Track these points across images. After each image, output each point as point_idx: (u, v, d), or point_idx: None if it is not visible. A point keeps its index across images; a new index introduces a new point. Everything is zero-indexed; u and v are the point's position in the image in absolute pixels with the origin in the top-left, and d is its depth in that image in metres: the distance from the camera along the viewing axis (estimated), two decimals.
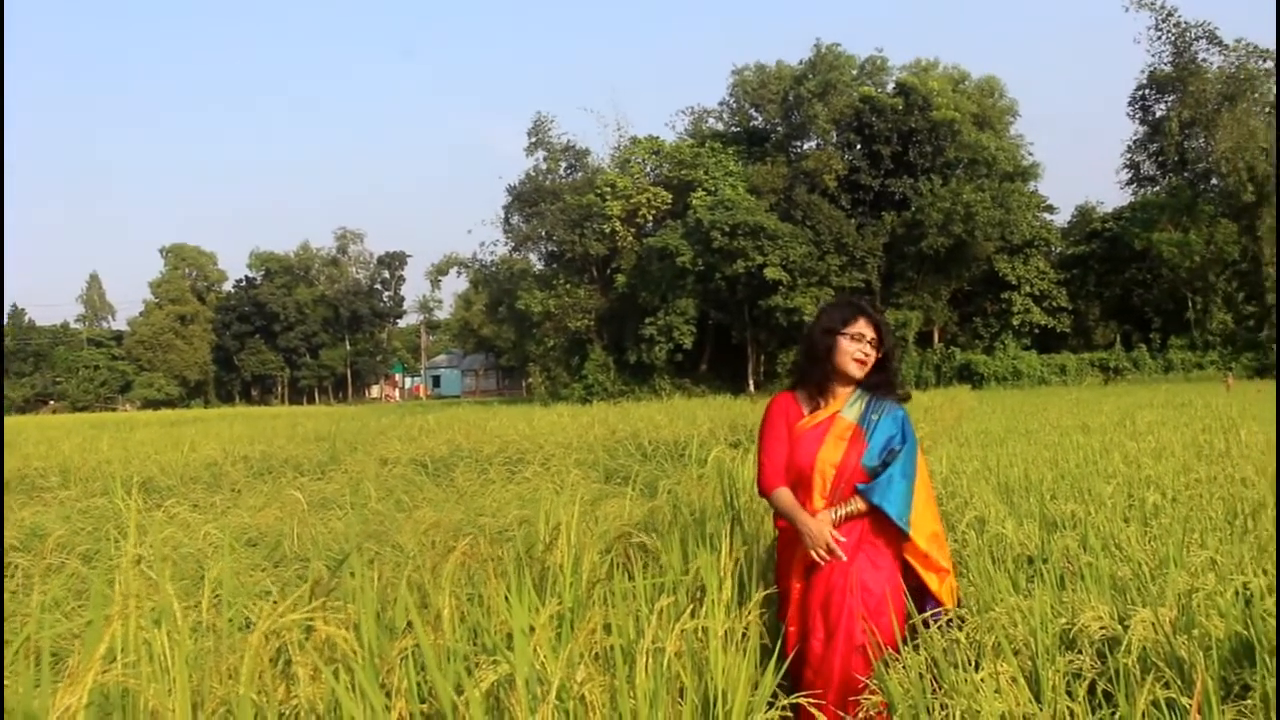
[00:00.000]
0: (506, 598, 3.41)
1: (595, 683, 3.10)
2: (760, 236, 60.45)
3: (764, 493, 4.32)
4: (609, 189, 67.42)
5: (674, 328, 63.45)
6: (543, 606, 3.49)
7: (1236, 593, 3.97)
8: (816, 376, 4.31)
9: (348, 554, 4.59)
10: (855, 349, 4.26)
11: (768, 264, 60.17)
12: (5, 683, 2.79)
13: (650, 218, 68.54)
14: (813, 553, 4.12)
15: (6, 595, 5.37)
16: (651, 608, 3.65)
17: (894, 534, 4.25)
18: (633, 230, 68.01)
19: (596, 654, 3.43)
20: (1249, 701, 3.24)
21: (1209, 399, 25.74)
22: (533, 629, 3.20)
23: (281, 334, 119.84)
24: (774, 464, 4.27)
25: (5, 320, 76.33)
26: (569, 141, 74.29)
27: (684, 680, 3.40)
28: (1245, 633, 3.57)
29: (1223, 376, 48.09)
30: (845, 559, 4.14)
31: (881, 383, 4.40)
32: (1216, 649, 3.51)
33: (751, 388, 61.77)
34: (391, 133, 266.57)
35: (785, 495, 4.22)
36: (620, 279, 67.57)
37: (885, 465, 4.24)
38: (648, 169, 71.42)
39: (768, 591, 4.43)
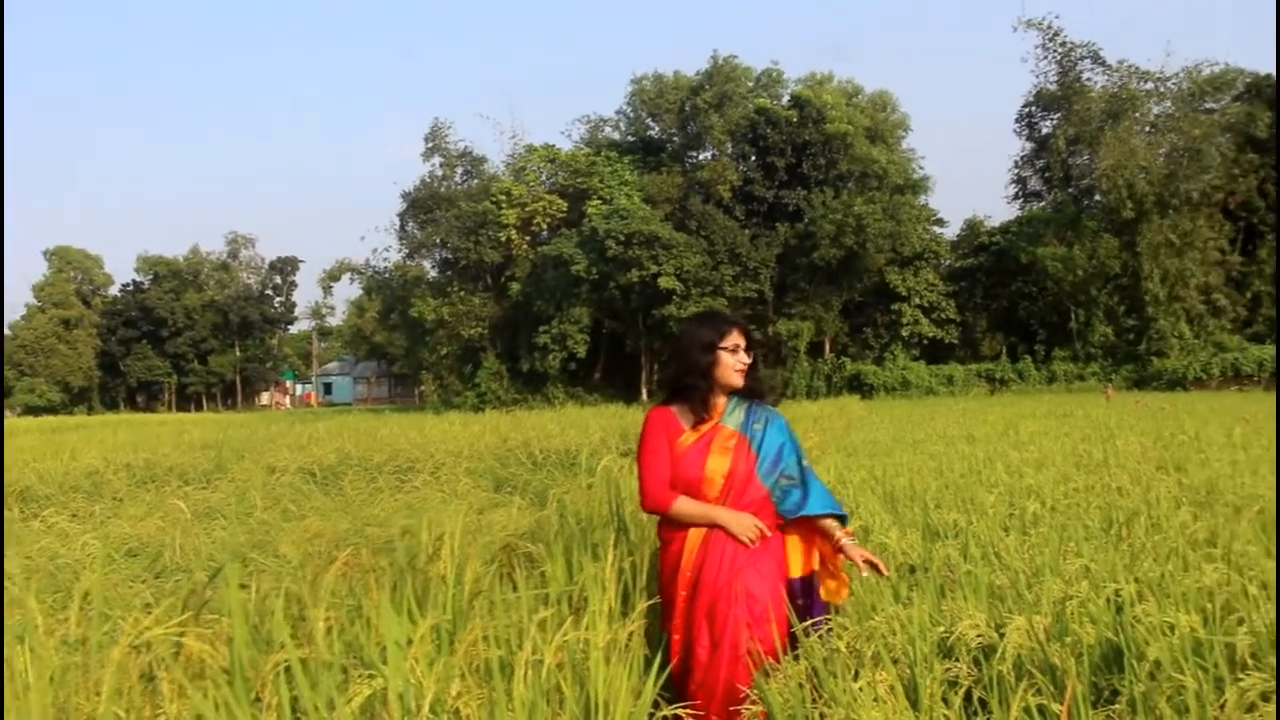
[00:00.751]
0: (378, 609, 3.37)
1: (472, 695, 3.07)
2: (655, 246, 60.67)
3: (654, 508, 4.30)
4: (504, 197, 67.25)
5: (568, 336, 63.42)
6: (423, 618, 3.45)
7: (1108, 600, 4.05)
8: (702, 392, 4.32)
9: (223, 565, 4.50)
10: (735, 361, 4.31)
11: (662, 273, 60.41)
12: None
13: (545, 226, 68.42)
14: (746, 540, 4.16)
15: None
16: (534, 619, 3.63)
17: (780, 544, 4.32)
18: (528, 238, 67.89)
19: (476, 666, 3.40)
20: (1117, 706, 3.30)
21: (1089, 410, 26.30)
22: (411, 641, 3.16)
23: (169, 339, 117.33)
24: (658, 479, 4.26)
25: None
26: (466, 148, 73.96)
27: (565, 691, 3.38)
28: (1115, 639, 3.65)
29: (1103, 388, 49.30)
30: (770, 534, 4.24)
31: (755, 389, 4.46)
32: (1088, 655, 3.58)
33: (645, 396, 61.86)
34: (284, 136, 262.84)
35: (688, 502, 4.23)
36: (515, 287, 67.39)
37: (788, 478, 4.34)
38: (543, 177, 71.38)
39: (652, 601, 4.43)
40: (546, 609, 4.00)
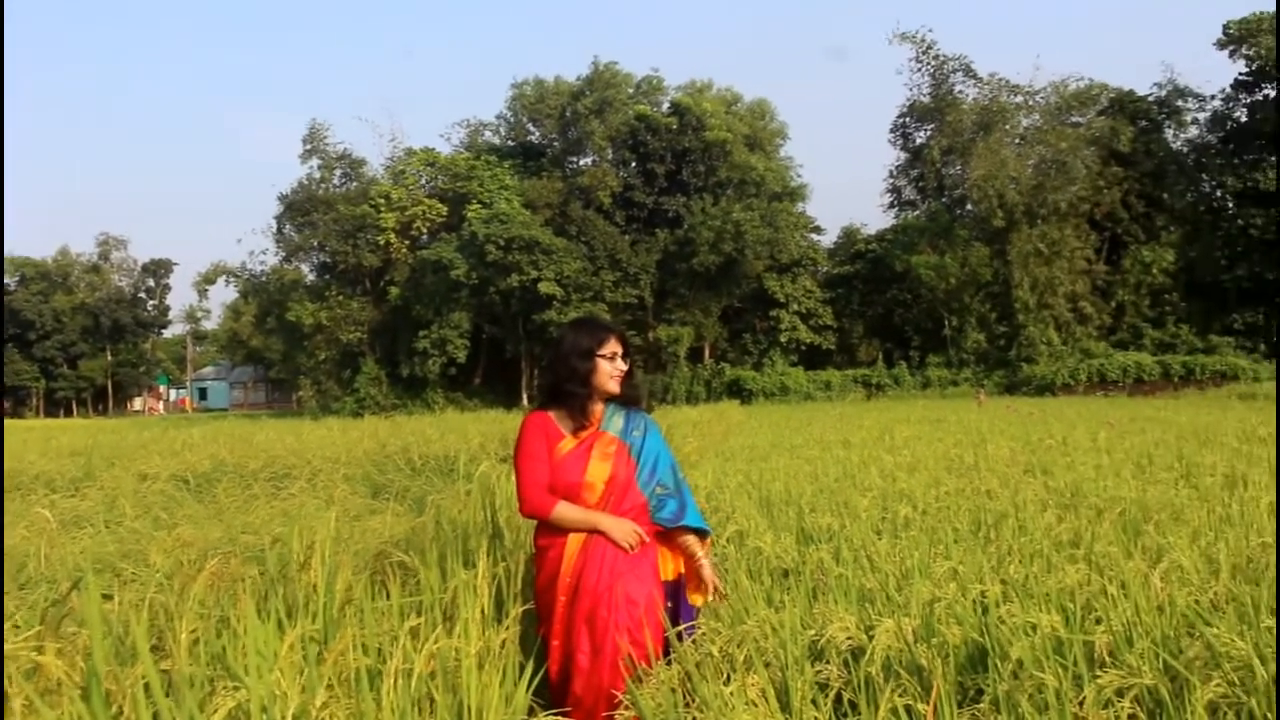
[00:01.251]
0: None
1: (339, 705, 3.04)
2: (535, 251, 60.59)
3: (533, 513, 4.30)
4: (383, 200, 66.52)
5: (448, 341, 62.98)
6: (291, 628, 3.41)
7: (975, 601, 4.14)
8: (581, 399, 4.33)
9: (83, 575, 4.39)
10: (612, 368, 4.35)
11: (542, 278, 60.33)
12: None
13: (425, 230, 67.86)
14: (626, 546, 4.19)
15: None
16: (405, 627, 3.61)
17: (655, 551, 4.37)
18: (407, 242, 67.24)
19: (346, 676, 3.36)
20: (982, 705, 3.38)
21: (962, 415, 26.82)
22: (277, 653, 3.12)
23: (37, 343, 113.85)
24: (537, 484, 4.25)
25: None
26: (344, 150, 72.88)
27: (436, 699, 3.36)
28: (980, 639, 3.73)
29: (975, 393, 50.21)
30: (649, 540, 4.28)
31: (631, 395, 4.51)
32: (954, 656, 3.65)
33: (525, 401, 61.67)
34: (158, 135, 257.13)
35: (569, 507, 4.23)
36: (394, 291, 66.74)
37: (664, 487, 4.40)
38: (423, 181, 70.69)
39: (526, 607, 4.42)
40: (418, 617, 3.98)
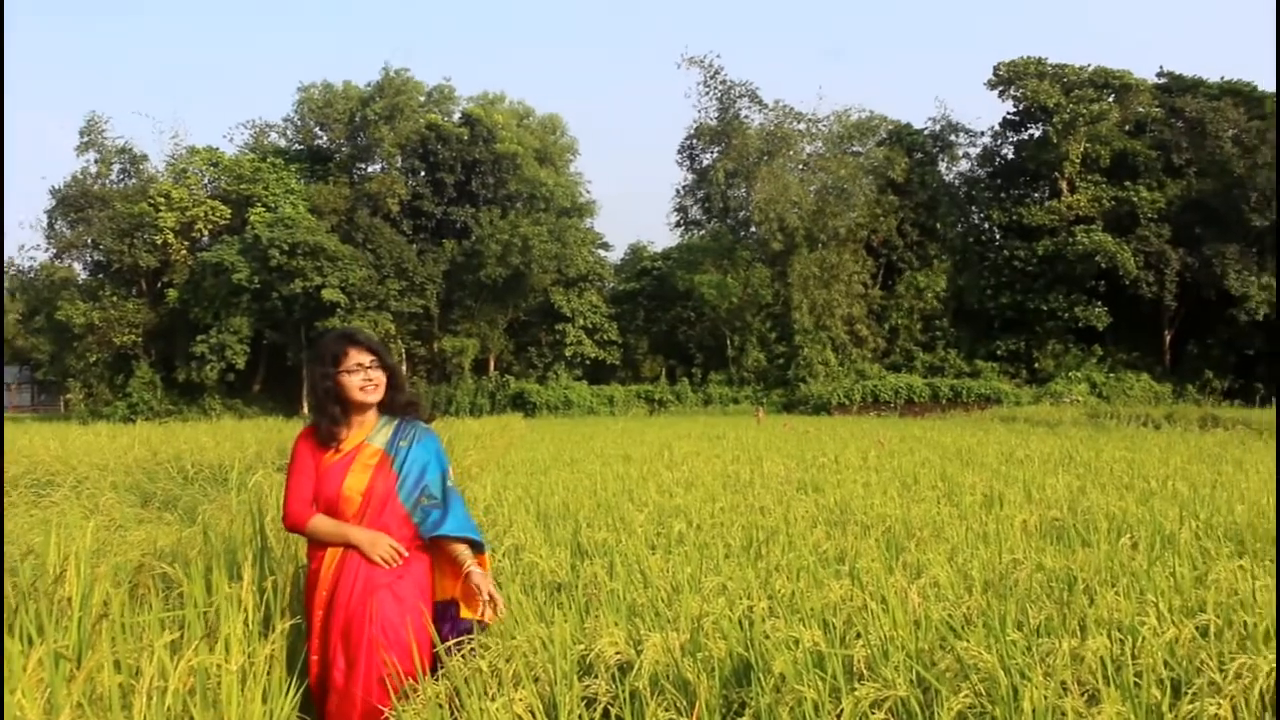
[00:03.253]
0: None
1: None
2: (320, 257, 59.52)
3: (293, 526, 4.27)
4: (163, 199, 64.29)
5: (227, 346, 61.21)
6: (40, 645, 3.27)
7: (742, 616, 4.23)
8: (333, 413, 4.30)
9: None
10: (358, 380, 4.30)
11: (326, 285, 59.31)
12: None
13: (206, 232, 65.91)
14: (378, 560, 4.14)
15: None
16: (162, 642, 3.51)
17: (424, 566, 4.33)
18: (187, 244, 65.14)
19: (100, 695, 3.25)
20: (744, 718, 3.45)
21: (741, 432, 27.29)
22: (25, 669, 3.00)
23: None
24: (300, 498, 4.23)
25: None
26: (124, 145, 70.05)
27: (195, 716, 3.28)
28: (745, 653, 3.81)
29: (755, 411, 51.22)
30: (407, 555, 4.23)
31: (403, 403, 4.49)
32: (719, 669, 3.72)
33: (305, 410, 60.27)
34: None
35: (324, 520, 4.20)
36: (172, 294, 64.55)
37: (430, 498, 4.35)
38: (206, 181, 68.67)
39: (294, 621, 4.35)
40: (179, 632, 3.87)
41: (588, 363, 67.66)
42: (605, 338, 67.95)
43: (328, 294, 59.12)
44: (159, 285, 66.72)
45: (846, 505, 8.61)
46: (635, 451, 18.57)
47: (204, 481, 13.81)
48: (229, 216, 65.25)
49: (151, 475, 14.69)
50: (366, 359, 4.33)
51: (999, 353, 64.35)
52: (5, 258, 71.38)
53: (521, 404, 61.20)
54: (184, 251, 64.79)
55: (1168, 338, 63.02)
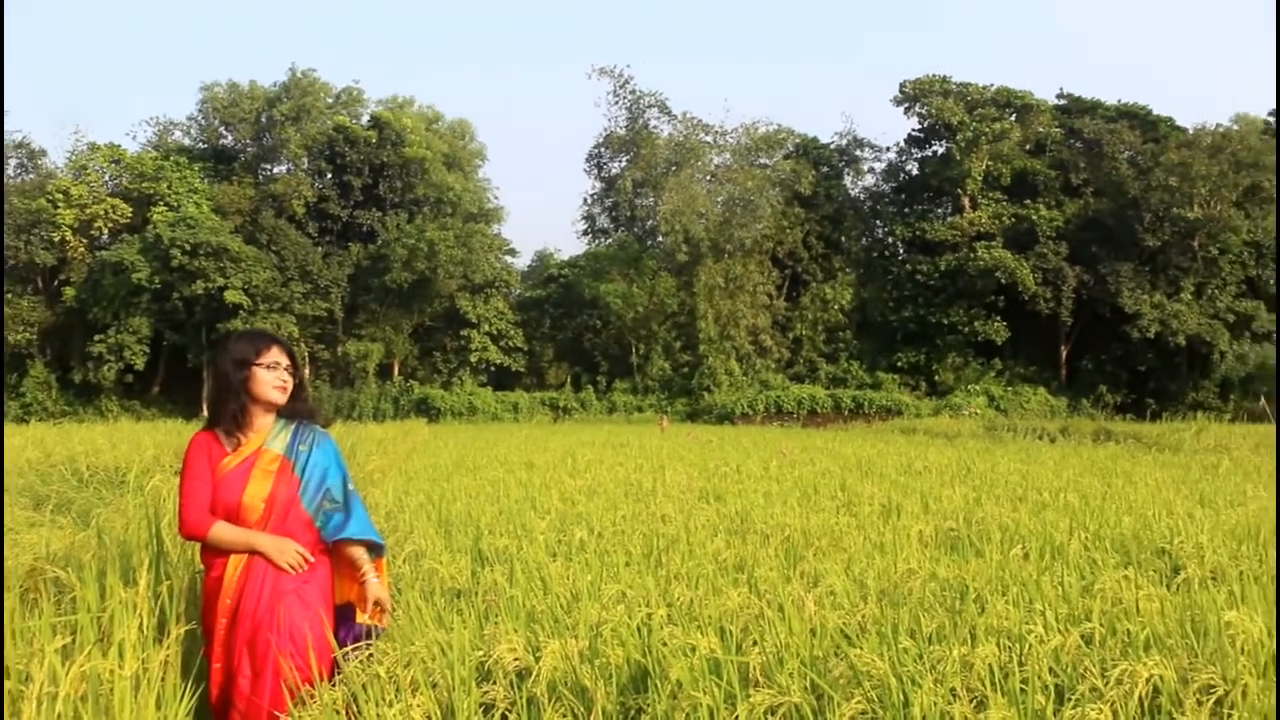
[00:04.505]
0: None
1: None
2: (223, 258, 58.67)
3: (191, 535, 4.19)
4: (62, 196, 62.93)
5: (125, 347, 60.02)
6: None
7: (640, 624, 4.30)
8: (234, 411, 4.26)
9: None
10: (273, 377, 4.29)
11: (229, 287, 58.48)
12: None
13: (106, 230, 64.63)
14: (286, 566, 4.12)
15: None
16: (53, 647, 3.49)
17: (327, 571, 4.35)
18: (86, 241, 63.83)
19: None
20: None
21: (645, 440, 27.32)
22: None
23: None
24: (197, 505, 4.15)
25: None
26: (22, 139, 68.46)
27: None
28: (643, 660, 3.88)
29: (659, 419, 51.39)
30: (313, 560, 4.22)
31: (303, 410, 4.46)
32: (616, 676, 3.78)
33: (205, 413, 59.23)
34: None
35: (225, 527, 4.14)
36: (69, 292, 63.16)
37: (333, 502, 4.35)
38: (106, 178, 67.32)
39: (189, 627, 4.31)
40: (69, 636, 3.84)
41: (493, 369, 67.44)
42: (511, 344, 67.75)
43: (230, 295, 58.28)
44: (55, 283, 65.30)
45: (747, 515, 8.70)
46: (539, 459, 18.57)
47: (99, 484, 13.57)
48: (130, 215, 64.02)
49: (45, 478, 14.40)
50: (284, 360, 4.34)
51: (900, 365, 65.29)
52: None
53: (425, 409, 60.77)
54: (82, 249, 63.46)
55: (1064, 353, 64.39)
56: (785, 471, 14.48)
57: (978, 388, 61.12)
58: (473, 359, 66.33)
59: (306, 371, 59.54)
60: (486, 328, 66.85)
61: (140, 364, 60.96)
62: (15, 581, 4.79)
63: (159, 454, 17.91)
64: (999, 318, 62.79)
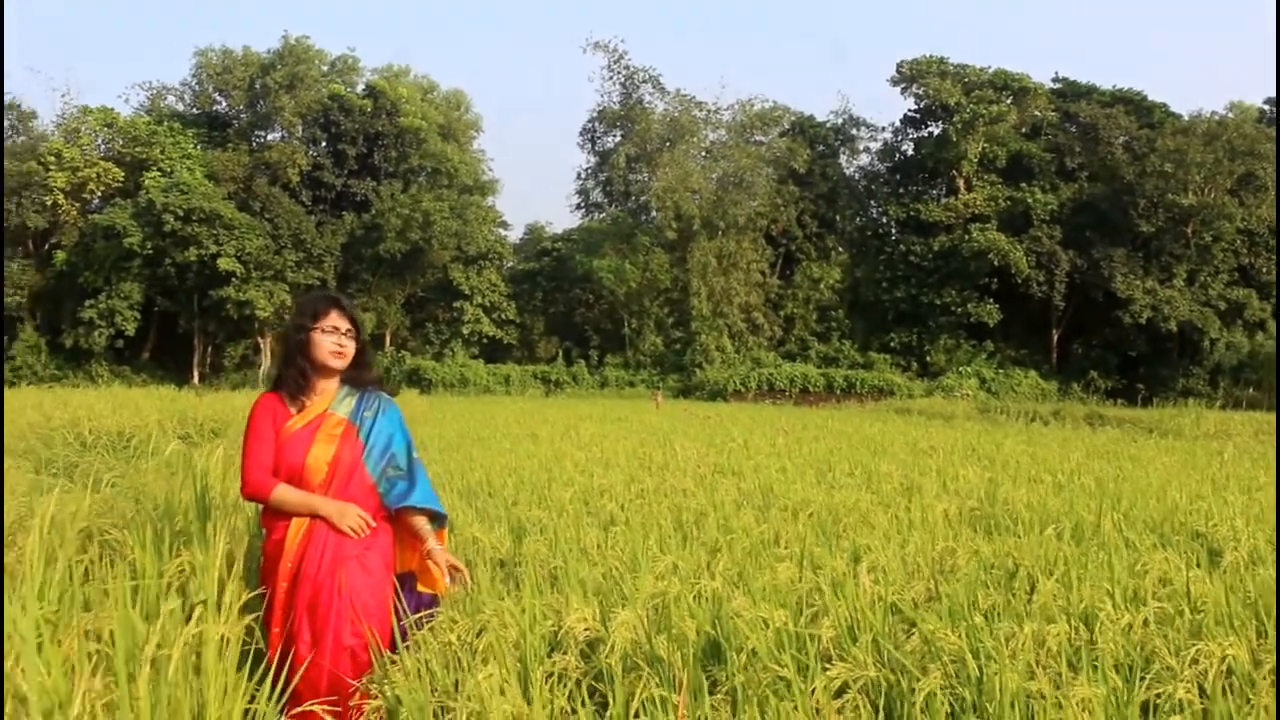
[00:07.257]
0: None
1: (96, 696, 2.92)
2: (216, 225, 58.51)
3: (254, 495, 4.18)
4: (54, 159, 62.53)
5: (116, 312, 59.82)
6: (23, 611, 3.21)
7: (698, 595, 4.30)
8: (295, 374, 4.25)
9: None
10: (330, 341, 4.26)
11: (222, 254, 58.36)
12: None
13: (98, 194, 64.29)
14: (348, 530, 4.11)
15: None
16: (144, 612, 3.48)
17: (389, 538, 4.34)
18: (78, 205, 63.51)
19: (96, 664, 3.21)
20: (718, 695, 3.53)
21: (642, 416, 27.35)
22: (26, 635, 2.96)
23: None
24: (260, 466, 4.14)
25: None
26: (12, 101, 67.87)
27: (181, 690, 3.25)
28: (713, 632, 3.88)
29: (652, 395, 51.34)
30: (375, 525, 4.22)
31: (367, 376, 4.45)
32: (692, 648, 3.78)
33: (196, 379, 59.27)
34: None
35: (288, 490, 4.12)
36: (60, 256, 62.92)
37: (396, 469, 4.33)
38: (99, 142, 66.88)
39: (256, 593, 4.29)
40: (162, 602, 3.82)
41: (485, 341, 67.42)
42: (503, 317, 67.76)
43: (223, 263, 58.16)
44: (46, 246, 65.01)
45: (768, 489, 8.67)
46: (540, 431, 18.60)
47: (103, 449, 13.55)
48: (122, 179, 63.69)
49: (47, 440, 14.36)
50: (344, 325, 4.31)
51: (892, 345, 65.40)
52: None
53: (417, 380, 60.68)
54: (74, 213, 63.15)
55: (1055, 336, 64.53)
56: (793, 449, 14.47)
57: (969, 369, 61.21)
58: (465, 331, 66.31)
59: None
60: (479, 300, 66.80)
61: (131, 330, 60.77)
62: (72, 543, 4.73)
63: (161, 420, 17.84)
64: (991, 300, 62.92)
